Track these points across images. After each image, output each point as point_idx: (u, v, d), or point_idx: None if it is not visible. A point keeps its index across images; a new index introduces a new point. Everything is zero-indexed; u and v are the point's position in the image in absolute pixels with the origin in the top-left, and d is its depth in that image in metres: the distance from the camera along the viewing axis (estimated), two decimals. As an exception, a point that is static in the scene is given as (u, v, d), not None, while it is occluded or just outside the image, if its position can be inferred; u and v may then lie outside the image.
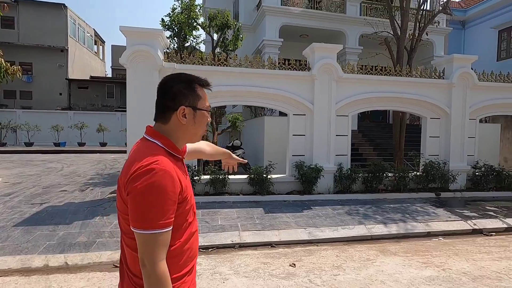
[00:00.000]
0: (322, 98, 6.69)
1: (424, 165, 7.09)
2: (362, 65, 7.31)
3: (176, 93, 1.05)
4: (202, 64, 6.24)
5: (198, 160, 7.10)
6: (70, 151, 16.21)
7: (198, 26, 7.43)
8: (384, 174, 6.77)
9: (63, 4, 22.77)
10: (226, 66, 6.35)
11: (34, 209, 5.24)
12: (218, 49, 8.48)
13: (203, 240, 4.19)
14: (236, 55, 6.76)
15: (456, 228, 4.98)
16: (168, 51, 7.12)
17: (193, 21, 7.04)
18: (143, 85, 5.79)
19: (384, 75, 7.10)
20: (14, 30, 22.21)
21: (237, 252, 3.95)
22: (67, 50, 23.06)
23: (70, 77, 23.23)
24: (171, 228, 0.96)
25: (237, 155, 7.76)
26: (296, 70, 6.70)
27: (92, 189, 6.90)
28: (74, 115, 20.33)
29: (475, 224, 5.11)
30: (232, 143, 9.94)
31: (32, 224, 4.50)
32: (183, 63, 6.14)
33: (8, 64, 7.41)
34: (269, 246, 4.18)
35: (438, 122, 7.53)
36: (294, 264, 3.56)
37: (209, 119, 1.16)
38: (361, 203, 6.15)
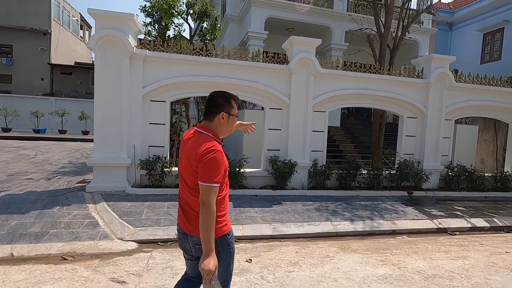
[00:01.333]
0: (299, 93, 6.60)
1: (398, 164, 7.13)
2: (343, 61, 7.24)
3: (219, 104, 1.71)
4: (177, 53, 6.04)
5: (170, 152, 6.94)
6: (49, 139, 15.70)
7: (177, 14, 7.19)
8: (358, 172, 6.77)
9: (46, -15, 21.84)
10: (202, 56, 6.17)
11: (-10, 197, 5.02)
12: (199, 39, 8.24)
13: (163, 233, 4.09)
14: (213, 45, 6.58)
15: (421, 227, 5.02)
16: (143, 37, 6.87)
17: (170, 7, 6.81)
18: (111, 71, 5.57)
19: (364, 72, 7.04)
20: (-7, 10, 21.23)
21: (196, 246, 3.85)
22: (50, 33, 22.20)
23: (52, 62, 22.44)
24: (219, 185, 1.59)
25: None
26: (274, 63, 6.57)
27: (59, 178, 6.68)
28: (56, 101, 19.66)
29: (440, 223, 5.16)
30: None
31: (-16, 212, 4.30)
32: (156, 50, 5.93)
33: None
34: (231, 241, 4.11)
35: (415, 121, 7.57)
36: (251, 260, 3.50)
37: (237, 121, 1.86)
38: (333, 199, 6.14)
